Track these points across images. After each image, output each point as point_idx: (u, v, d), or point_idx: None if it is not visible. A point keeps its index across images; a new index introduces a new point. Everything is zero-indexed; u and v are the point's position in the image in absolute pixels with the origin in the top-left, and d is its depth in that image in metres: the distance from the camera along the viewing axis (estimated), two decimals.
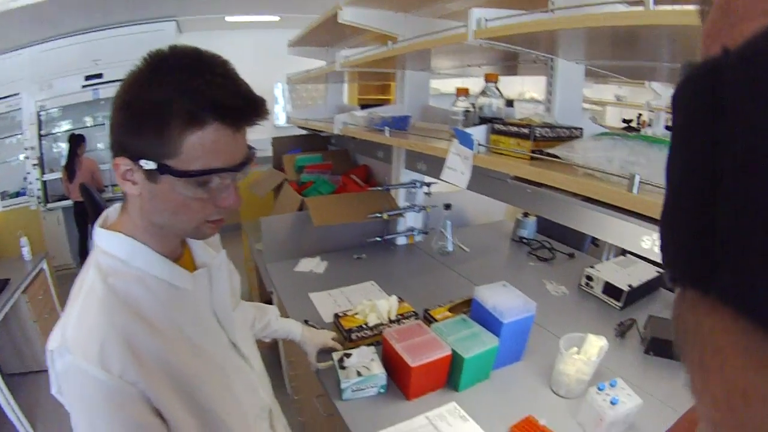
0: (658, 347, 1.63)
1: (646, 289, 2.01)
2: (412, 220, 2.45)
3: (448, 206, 2.22)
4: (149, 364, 0.72)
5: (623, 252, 2.28)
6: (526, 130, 1.19)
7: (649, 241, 1.22)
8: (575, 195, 1.10)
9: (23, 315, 2.89)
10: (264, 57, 5.46)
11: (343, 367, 1.33)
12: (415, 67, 2.23)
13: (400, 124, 1.92)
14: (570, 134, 1.27)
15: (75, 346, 0.67)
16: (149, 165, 0.68)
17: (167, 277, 0.80)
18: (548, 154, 1.16)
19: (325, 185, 2.53)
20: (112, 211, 0.85)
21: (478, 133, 1.33)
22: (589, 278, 2.03)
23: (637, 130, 4.47)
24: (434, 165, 2.03)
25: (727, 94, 0.17)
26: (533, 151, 1.18)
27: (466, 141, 1.32)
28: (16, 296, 2.69)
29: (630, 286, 1.90)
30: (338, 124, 2.22)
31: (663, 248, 0.21)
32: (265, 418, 1.04)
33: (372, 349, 1.41)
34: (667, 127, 3.96)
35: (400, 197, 2.40)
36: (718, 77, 0.17)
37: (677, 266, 0.20)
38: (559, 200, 1.28)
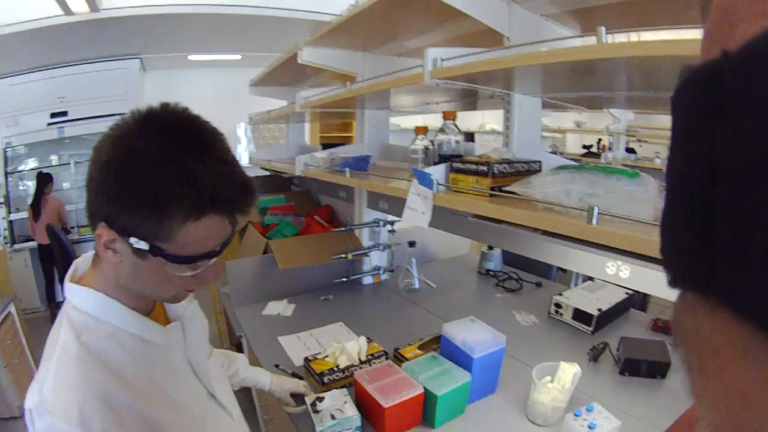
0: (633, 367, 1.65)
1: (616, 312, 2.04)
2: (377, 258, 2.45)
3: (412, 243, 2.24)
4: (129, 421, 0.70)
5: (591, 276, 2.32)
6: (484, 168, 1.21)
7: (614, 267, 1.24)
8: (536, 229, 1.12)
9: None
10: (226, 96, 5.51)
11: (316, 411, 1.30)
12: (374, 106, 2.26)
13: (360, 164, 1.93)
14: (528, 168, 1.30)
15: (54, 408, 0.65)
16: (140, 245, 0.68)
17: (140, 332, 0.79)
18: (507, 191, 1.18)
19: (288, 227, 2.51)
20: (81, 263, 0.83)
21: (437, 172, 1.35)
22: (558, 306, 2.06)
23: (597, 155, 4.60)
24: (396, 204, 2.02)
25: (727, 97, 0.17)
26: (492, 188, 1.20)
27: (426, 181, 1.33)
28: None
29: (599, 310, 1.93)
30: (299, 165, 2.22)
31: (663, 250, 0.21)
32: None
33: (344, 391, 1.39)
34: (627, 149, 4.08)
35: (364, 236, 2.40)
36: (717, 80, 0.17)
37: (676, 268, 0.20)
38: (521, 234, 1.30)
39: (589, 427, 1.24)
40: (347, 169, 1.85)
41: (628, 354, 1.66)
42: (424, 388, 1.32)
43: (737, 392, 0.17)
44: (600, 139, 4.90)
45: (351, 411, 1.30)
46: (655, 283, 1.15)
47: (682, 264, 0.20)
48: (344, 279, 2.33)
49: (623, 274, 1.21)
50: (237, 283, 2.16)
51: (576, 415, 1.28)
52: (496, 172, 1.20)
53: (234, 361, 1.36)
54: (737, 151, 0.16)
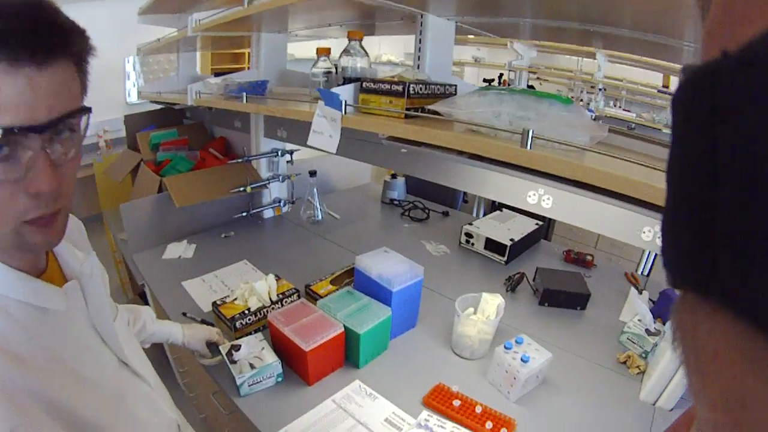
0: (552, 298, 1.68)
1: (527, 242, 2.08)
2: (276, 190, 2.34)
3: (313, 173, 2.14)
4: (33, 412, 0.55)
5: (497, 206, 2.35)
6: (399, 87, 1.12)
7: (535, 196, 1.22)
8: (456, 153, 1.05)
9: None
10: (114, 30, 4.94)
11: (234, 362, 1.21)
12: (272, 29, 2.06)
13: (257, 89, 1.80)
14: (444, 91, 1.23)
15: None
16: None
17: (31, 298, 0.62)
18: (431, 111, 1.11)
19: (183, 162, 2.32)
20: None
21: (346, 92, 1.24)
22: (469, 235, 2.07)
23: None
24: (296, 131, 1.93)
25: (726, 98, 0.16)
26: (408, 109, 1.12)
27: (333, 101, 1.22)
28: None
29: (512, 240, 1.96)
30: (192, 93, 2.01)
31: (663, 251, 0.21)
32: None
33: (260, 336, 1.31)
34: (528, 86, 4.13)
35: (262, 168, 2.27)
36: (717, 81, 0.17)
37: (677, 269, 0.20)
38: (439, 159, 1.24)
39: (522, 360, 1.24)
40: (243, 94, 1.70)
41: (547, 284, 1.69)
42: (344, 326, 1.26)
43: (736, 393, 0.18)
44: (501, 74, 4.94)
45: (270, 357, 1.23)
46: (578, 213, 1.15)
47: (682, 265, 0.20)
48: (244, 213, 2.20)
49: (545, 204, 1.19)
50: (133, 227, 1.97)
51: (507, 348, 1.28)
52: (413, 92, 1.12)
53: (139, 316, 1.19)
54: (737, 152, 0.16)
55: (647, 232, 1.08)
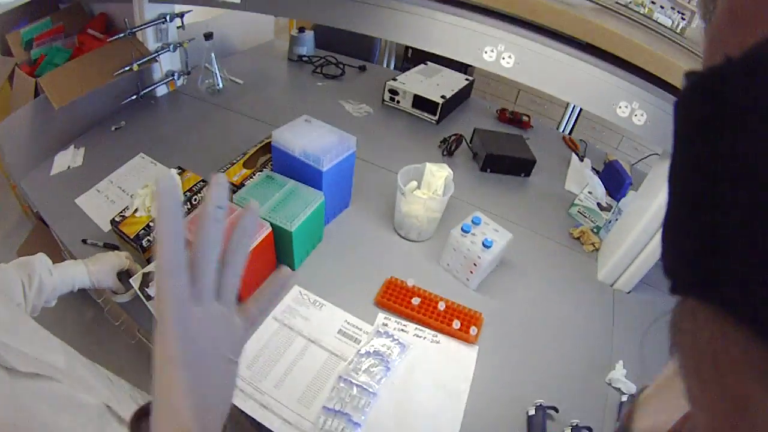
0: (495, 163, 1.55)
1: (458, 100, 1.92)
2: (168, 62, 1.92)
3: (209, 36, 1.80)
4: None
5: (408, 57, 2.02)
6: None
7: (493, 53, 1.03)
8: None
9: None
10: None
11: (150, 297, 0.97)
12: None
13: None
14: None
15: None
16: None
17: None
18: None
19: (59, 54, 1.91)
20: None
21: None
22: (394, 92, 1.86)
23: None
24: None
25: (729, 104, 0.16)
26: None
27: None
28: None
29: (443, 97, 1.77)
30: None
31: (664, 256, 0.21)
32: (109, 420, 0.69)
33: None
34: None
35: (149, 39, 1.83)
36: (720, 87, 0.17)
37: (678, 275, 0.20)
38: (372, 4, 0.99)
39: (484, 245, 1.08)
40: None
41: (489, 149, 1.54)
42: (271, 224, 1.01)
43: (735, 399, 0.18)
44: None
45: None
46: (546, 75, 1.02)
47: (683, 270, 0.20)
48: (134, 96, 1.79)
49: (506, 62, 1.02)
50: (14, 146, 1.60)
51: (464, 231, 1.11)
52: None
53: (33, 271, 0.91)
54: (739, 157, 0.16)
55: (623, 107, 0.97)
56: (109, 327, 0.75)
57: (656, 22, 1.05)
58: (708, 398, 0.19)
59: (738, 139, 0.16)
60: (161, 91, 1.94)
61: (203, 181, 1.24)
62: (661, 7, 1.04)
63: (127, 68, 1.67)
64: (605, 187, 1.49)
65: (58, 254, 1.63)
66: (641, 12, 1.05)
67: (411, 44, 1.09)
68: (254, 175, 1.26)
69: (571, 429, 0.89)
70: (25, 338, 0.65)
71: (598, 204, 1.40)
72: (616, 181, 1.51)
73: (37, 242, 2.18)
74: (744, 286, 0.16)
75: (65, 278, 0.98)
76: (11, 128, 1.59)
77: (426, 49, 1.10)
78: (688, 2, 0.99)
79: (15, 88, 2.02)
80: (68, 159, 1.60)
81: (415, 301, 1.04)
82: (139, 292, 0.99)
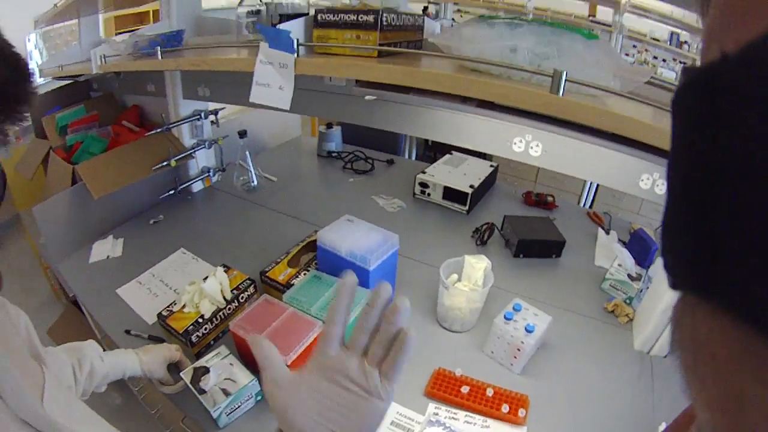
0: (527, 248, 1.57)
1: (485, 187, 1.94)
2: (204, 159, 2.00)
3: (243, 134, 1.85)
4: None
5: (429, 146, 2.06)
6: (370, 18, 0.88)
7: (522, 143, 1.06)
8: (466, 100, 0.87)
9: None
10: (9, 5, 4.28)
11: (203, 391, 0.98)
12: None
13: (172, 41, 1.49)
14: (415, 22, 1.00)
15: None
16: None
17: None
18: (413, 45, 0.90)
19: (95, 143, 1.97)
20: None
21: (296, 28, 0.99)
22: (424, 185, 1.89)
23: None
24: (221, 86, 1.64)
25: (726, 101, 0.16)
26: (381, 44, 0.89)
27: (282, 42, 0.97)
28: None
29: (472, 186, 1.80)
30: (96, 59, 1.66)
31: (664, 254, 0.21)
32: None
33: (223, 350, 1.07)
34: (452, 20, 3.90)
35: (185, 135, 1.91)
36: (716, 83, 0.17)
37: (678, 272, 0.20)
38: (411, 107, 1.04)
39: (527, 330, 1.10)
40: (158, 48, 1.39)
41: (521, 235, 1.57)
42: (324, 323, 1.04)
43: (734, 395, 0.17)
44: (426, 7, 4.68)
45: (245, 377, 1.00)
46: (571, 160, 1.03)
47: (683, 267, 0.20)
48: (171, 191, 1.85)
49: (534, 152, 1.05)
50: (51, 230, 1.63)
51: (507, 318, 1.13)
52: (386, 23, 0.88)
53: (84, 357, 0.93)
54: (736, 154, 0.16)
55: (645, 180, 0.99)
56: (139, 414, 0.76)
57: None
58: (707, 395, 0.19)
59: (734, 136, 0.16)
60: (197, 186, 2.02)
61: (250, 279, 1.27)
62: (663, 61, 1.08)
63: (165, 164, 1.74)
64: (633, 256, 1.50)
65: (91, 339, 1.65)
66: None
67: (442, 141, 1.13)
68: (299, 274, 1.28)
69: None
70: (79, 420, 0.67)
71: (629, 275, 1.41)
72: (642, 249, 1.53)
73: (69, 325, 2.19)
74: (742, 284, 0.16)
75: (116, 366, 1.00)
76: (49, 212, 1.63)
77: (457, 144, 1.14)
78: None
79: (50, 171, 2.07)
80: (107, 248, 1.64)
81: (465, 389, 1.05)
82: (191, 386, 0.99)
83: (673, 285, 0.20)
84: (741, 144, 0.16)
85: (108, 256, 1.61)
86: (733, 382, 0.17)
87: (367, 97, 1.04)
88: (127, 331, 1.25)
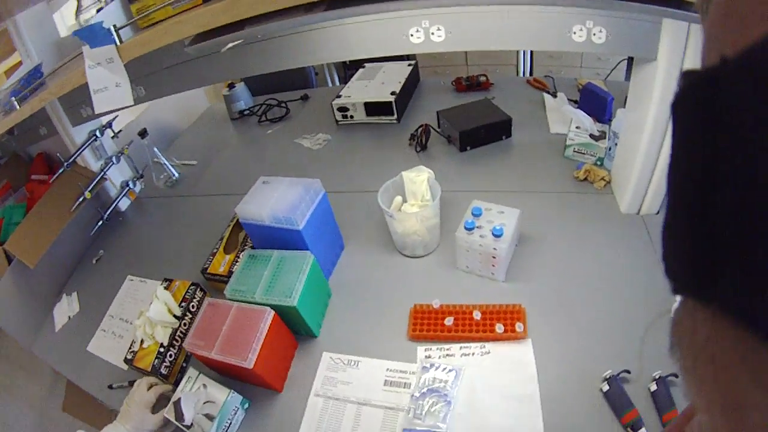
0: (472, 138, 1.47)
1: (409, 88, 1.85)
2: (118, 174, 1.86)
3: (143, 133, 1.74)
4: None
5: (347, 64, 2.05)
6: None
7: (420, 32, 0.96)
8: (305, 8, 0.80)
9: None
10: None
11: (188, 426, 0.92)
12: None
13: (32, 79, 1.37)
14: None
15: None
16: None
17: None
18: None
19: (15, 211, 1.86)
20: None
21: (110, 15, 0.89)
22: (344, 109, 1.78)
23: None
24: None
25: (725, 105, 0.16)
26: None
27: (98, 37, 0.85)
28: None
29: (394, 93, 1.70)
30: None
31: (664, 258, 0.21)
32: None
33: (192, 372, 0.98)
34: None
35: (89, 161, 1.78)
36: (716, 87, 0.17)
37: (678, 276, 0.20)
38: (277, 39, 0.95)
39: (495, 235, 1.00)
40: (13, 99, 1.27)
41: (460, 126, 1.46)
42: (272, 306, 0.95)
43: (733, 398, 0.18)
44: None
45: (221, 393, 0.94)
46: (485, 34, 0.95)
47: (683, 271, 0.20)
48: (100, 222, 1.74)
49: (437, 37, 0.96)
50: (8, 318, 1.55)
51: (468, 229, 1.03)
52: None
53: None
54: (736, 159, 0.16)
55: (579, 32, 0.90)
56: None
57: None
58: (706, 397, 0.19)
59: (733, 141, 0.16)
60: (124, 204, 1.89)
61: (193, 284, 1.18)
62: None
63: (81, 199, 1.63)
64: (589, 114, 1.40)
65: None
66: None
67: (334, 60, 1.03)
68: (238, 257, 1.20)
69: (656, 384, 0.81)
70: None
71: (591, 135, 1.32)
72: (597, 104, 1.43)
73: (75, 397, 2.15)
74: (741, 288, 0.16)
75: None
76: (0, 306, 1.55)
77: (351, 58, 1.05)
78: None
79: None
80: (65, 309, 1.57)
81: (448, 321, 0.97)
82: (177, 423, 0.93)
83: (674, 289, 0.20)
84: (739, 150, 0.16)
85: (69, 317, 1.53)
86: (733, 385, 0.18)
87: (222, 50, 0.92)
88: (110, 386, 1.19)
